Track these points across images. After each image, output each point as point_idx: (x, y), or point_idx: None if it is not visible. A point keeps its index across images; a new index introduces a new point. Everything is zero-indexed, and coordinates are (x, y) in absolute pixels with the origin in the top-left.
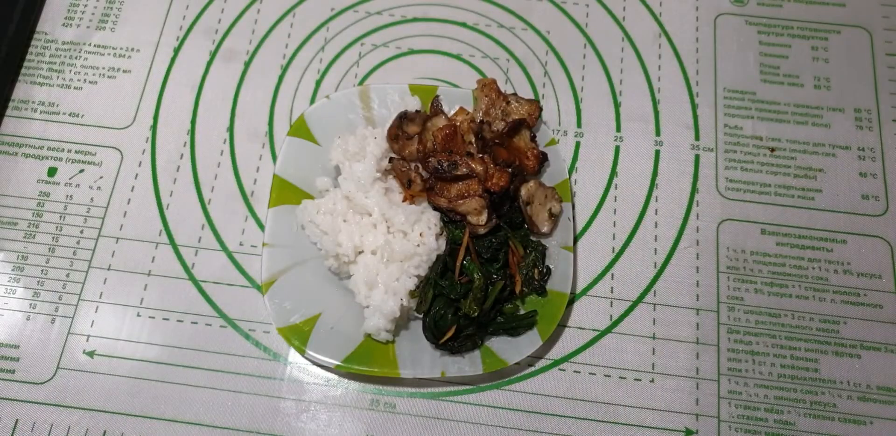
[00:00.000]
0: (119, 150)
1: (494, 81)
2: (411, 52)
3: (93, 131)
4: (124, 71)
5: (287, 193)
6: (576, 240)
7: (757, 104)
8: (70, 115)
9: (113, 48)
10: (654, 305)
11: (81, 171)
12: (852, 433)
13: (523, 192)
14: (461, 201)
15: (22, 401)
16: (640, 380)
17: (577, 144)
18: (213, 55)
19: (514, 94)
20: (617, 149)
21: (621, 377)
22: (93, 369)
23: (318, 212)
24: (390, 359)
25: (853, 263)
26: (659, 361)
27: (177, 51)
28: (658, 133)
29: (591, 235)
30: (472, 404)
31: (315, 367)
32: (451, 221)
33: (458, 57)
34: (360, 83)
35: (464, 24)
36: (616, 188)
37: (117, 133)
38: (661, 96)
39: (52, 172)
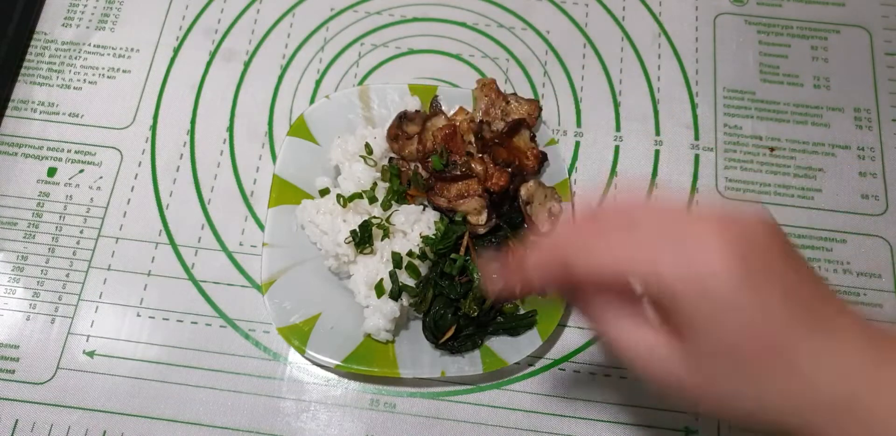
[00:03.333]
0: (119, 150)
1: (494, 81)
2: (411, 51)
3: (92, 131)
4: (124, 71)
5: (287, 192)
6: None
7: (756, 104)
8: (70, 115)
9: (112, 48)
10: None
11: (81, 171)
12: None
13: (523, 192)
14: (461, 201)
15: (22, 401)
16: (640, 379)
17: (577, 144)
18: (213, 55)
19: (514, 94)
20: (617, 149)
21: (621, 377)
22: (93, 369)
23: (317, 212)
24: (390, 359)
25: (853, 263)
26: None
27: (176, 51)
28: (658, 133)
29: None
30: (472, 404)
31: (315, 367)
32: (451, 220)
33: (457, 57)
34: (360, 83)
35: (463, 24)
36: (616, 188)
37: (117, 133)
38: (660, 96)
39: (51, 172)
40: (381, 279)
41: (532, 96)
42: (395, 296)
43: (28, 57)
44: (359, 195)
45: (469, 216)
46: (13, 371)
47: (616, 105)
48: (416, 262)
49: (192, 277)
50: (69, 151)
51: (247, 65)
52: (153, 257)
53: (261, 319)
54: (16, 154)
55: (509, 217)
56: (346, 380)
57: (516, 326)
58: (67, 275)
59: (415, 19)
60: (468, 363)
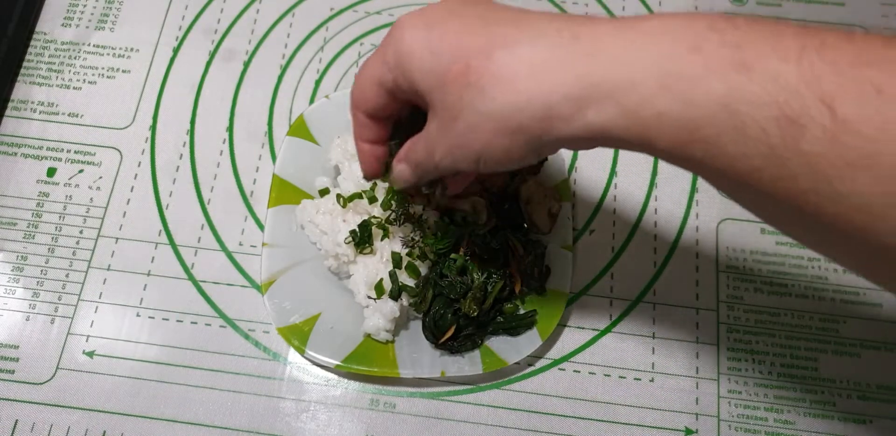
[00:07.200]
0: (118, 150)
1: None
2: None
3: (92, 131)
4: (123, 71)
5: (286, 192)
6: (575, 239)
7: None
8: (69, 115)
9: (112, 48)
10: (654, 304)
11: (81, 171)
12: (852, 432)
13: (523, 191)
14: (461, 201)
15: (21, 401)
16: (639, 379)
17: None
18: (213, 55)
19: None
20: (616, 149)
21: (621, 377)
22: (92, 370)
23: (317, 212)
24: (390, 359)
25: None
26: (658, 360)
27: (176, 51)
28: None
29: (590, 235)
30: (472, 404)
31: (315, 367)
32: (452, 221)
33: None
34: None
35: None
36: (616, 188)
37: (116, 133)
38: None
39: (51, 172)
40: (381, 279)
41: None
42: (394, 296)
43: (28, 57)
44: (358, 195)
45: (469, 216)
46: (13, 371)
47: None
48: (416, 262)
49: (191, 277)
50: (69, 151)
51: (246, 65)
52: (153, 257)
53: (261, 319)
54: (15, 154)
55: (509, 217)
56: (345, 380)
57: (516, 326)
58: (67, 275)
59: None
60: (468, 363)
